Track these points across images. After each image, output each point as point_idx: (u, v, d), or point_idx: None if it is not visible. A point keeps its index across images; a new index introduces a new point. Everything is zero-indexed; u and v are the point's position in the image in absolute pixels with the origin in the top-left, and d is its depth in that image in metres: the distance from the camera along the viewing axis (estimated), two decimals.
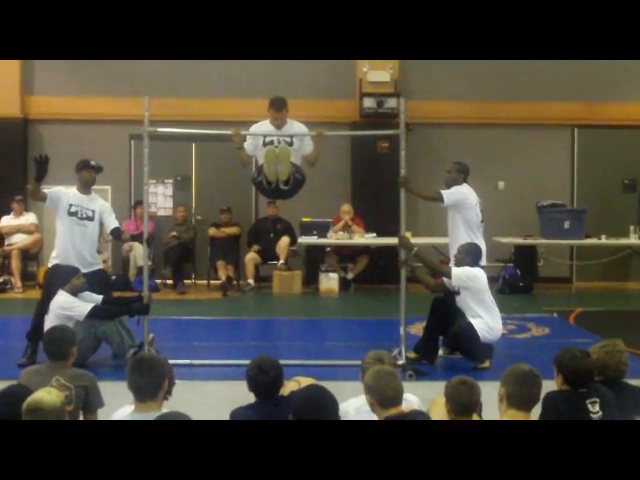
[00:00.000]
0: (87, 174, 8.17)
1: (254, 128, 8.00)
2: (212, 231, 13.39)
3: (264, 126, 7.93)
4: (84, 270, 7.89)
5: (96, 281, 8.03)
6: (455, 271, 7.68)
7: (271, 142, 7.78)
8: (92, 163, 8.25)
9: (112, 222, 8.31)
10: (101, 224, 8.26)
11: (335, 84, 13.78)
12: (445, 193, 8.01)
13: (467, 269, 7.69)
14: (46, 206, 8.49)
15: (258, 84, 13.62)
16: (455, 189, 8.04)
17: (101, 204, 8.31)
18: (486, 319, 7.68)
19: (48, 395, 3.78)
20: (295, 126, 7.90)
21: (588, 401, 4.35)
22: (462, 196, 8.03)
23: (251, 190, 13.91)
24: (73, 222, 8.04)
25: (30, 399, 3.74)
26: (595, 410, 4.32)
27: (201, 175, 14.04)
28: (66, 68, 13.46)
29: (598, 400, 4.35)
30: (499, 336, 7.86)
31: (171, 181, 14.05)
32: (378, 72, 13.49)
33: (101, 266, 8.55)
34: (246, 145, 7.91)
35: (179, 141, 13.45)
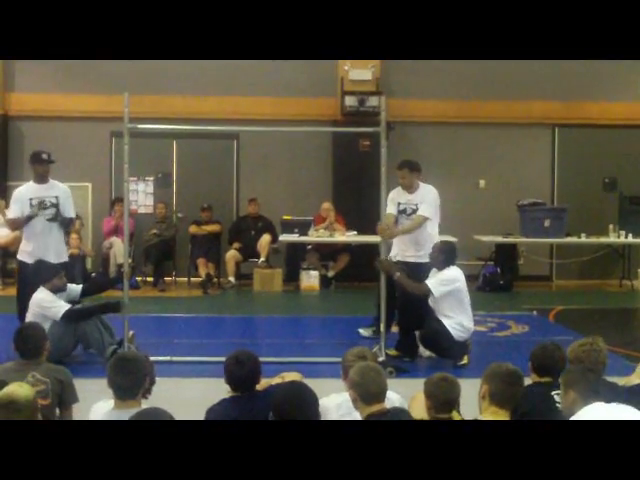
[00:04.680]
0: (41, 168, 8.17)
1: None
2: (193, 229, 13.36)
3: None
4: (60, 260, 7.95)
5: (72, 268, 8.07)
6: (434, 287, 7.60)
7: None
8: (44, 156, 8.20)
9: (68, 211, 8.24)
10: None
11: (317, 82, 13.74)
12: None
13: (443, 276, 7.65)
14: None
15: (239, 82, 13.63)
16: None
17: (63, 190, 8.27)
18: (459, 318, 7.67)
19: (20, 389, 3.77)
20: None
21: (554, 392, 4.37)
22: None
23: (232, 187, 13.94)
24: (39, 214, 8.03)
25: (2, 393, 3.71)
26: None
27: (182, 172, 13.98)
28: (47, 65, 13.37)
29: None
30: (472, 333, 7.85)
31: (152, 178, 13.99)
32: (360, 70, 13.48)
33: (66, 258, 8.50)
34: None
35: (160, 138, 13.43)
